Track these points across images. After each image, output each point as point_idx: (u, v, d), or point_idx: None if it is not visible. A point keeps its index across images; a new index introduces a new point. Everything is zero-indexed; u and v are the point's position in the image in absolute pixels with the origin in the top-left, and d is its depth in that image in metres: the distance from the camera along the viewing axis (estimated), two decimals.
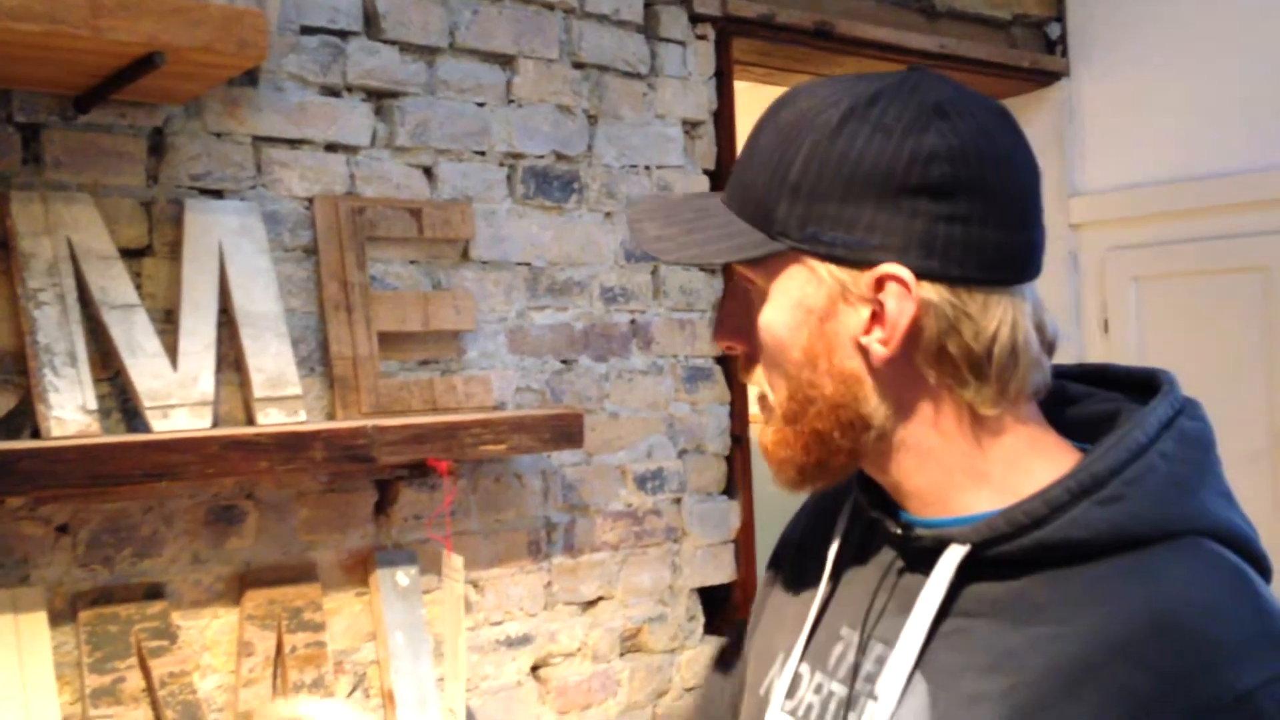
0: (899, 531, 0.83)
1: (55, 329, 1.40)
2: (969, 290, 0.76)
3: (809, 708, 0.87)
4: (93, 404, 1.41)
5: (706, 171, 2.14)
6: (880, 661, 0.82)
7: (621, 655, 1.95)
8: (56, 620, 1.40)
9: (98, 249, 1.46)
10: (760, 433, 0.87)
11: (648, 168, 2.05)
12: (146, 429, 1.46)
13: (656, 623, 2.00)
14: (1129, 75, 2.56)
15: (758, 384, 0.84)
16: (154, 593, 1.48)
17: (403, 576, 1.69)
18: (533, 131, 1.90)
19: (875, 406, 0.79)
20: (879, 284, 0.76)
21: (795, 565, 0.96)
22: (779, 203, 0.78)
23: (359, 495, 1.69)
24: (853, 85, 0.79)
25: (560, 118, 1.93)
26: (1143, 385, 0.83)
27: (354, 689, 1.65)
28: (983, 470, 0.80)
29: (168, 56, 1.32)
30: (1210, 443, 0.79)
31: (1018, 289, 0.78)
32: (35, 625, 1.37)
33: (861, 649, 0.84)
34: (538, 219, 1.91)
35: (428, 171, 1.80)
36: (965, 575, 0.78)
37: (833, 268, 0.77)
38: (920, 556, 0.81)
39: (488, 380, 1.82)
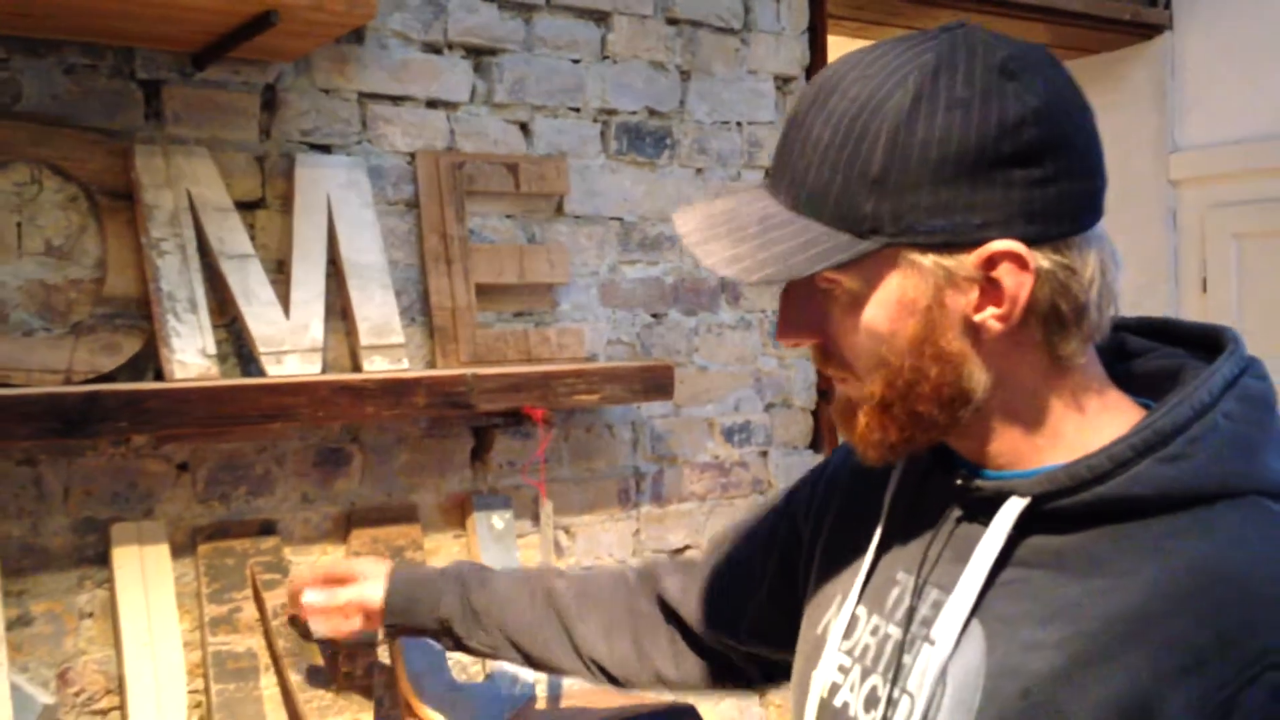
0: (960, 482, 0.83)
1: (176, 277, 1.48)
2: (1068, 245, 0.76)
3: (865, 649, 0.88)
4: (212, 349, 1.48)
5: None
6: (937, 606, 0.83)
7: None
8: (177, 553, 1.49)
9: (215, 201, 1.53)
10: (840, 419, 0.85)
11: (739, 124, 2.07)
12: (261, 373, 1.53)
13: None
14: (1234, 28, 2.49)
15: (839, 373, 0.83)
16: (267, 529, 1.56)
17: (498, 520, 1.76)
18: (626, 88, 1.93)
19: (979, 381, 0.79)
20: (989, 262, 0.75)
21: (849, 518, 0.97)
22: (864, 199, 0.75)
23: (457, 441, 1.75)
24: (904, 58, 0.76)
25: (653, 74, 1.96)
26: (1206, 342, 0.84)
27: None
28: (1058, 427, 0.80)
29: (282, 14, 1.37)
30: (1274, 403, 0.80)
31: (1096, 229, 0.78)
32: (158, 557, 1.46)
33: (918, 593, 0.85)
34: (630, 174, 1.94)
35: (524, 127, 1.84)
36: (1025, 528, 0.79)
37: (935, 256, 0.75)
38: (980, 507, 0.82)
39: (580, 332, 1.87)
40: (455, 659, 1.70)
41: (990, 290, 0.76)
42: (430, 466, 1.73)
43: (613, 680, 1.26)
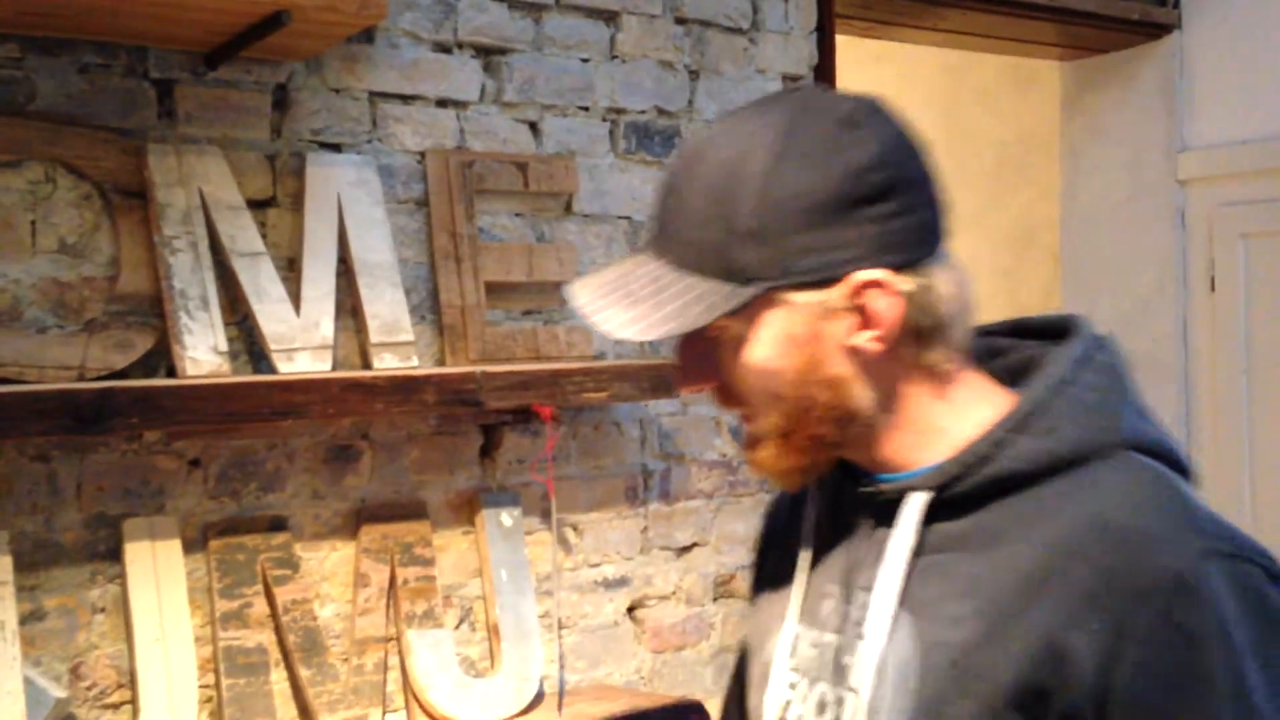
0: (866, 490, 0.91)
1: (189, 274, 1.49)
2: (923, 268, 0.85)
3: (809, 661, 0.95)
4: (224, 346, 1.49)
5: None
6: (864, 606, 0.90)
7: (715, 600, 2.00)
8: (189, 548, 1.50)
9: (227, 199, 1.54)
10: (750, 453, 0.93)
11: None
12: (272, 370, 1.54)
13: (749, 570, 2.04)
14: (1242, 27, 2.49)
15: (738, 412, 0.91)
16: (278, 525, 1.57)
17: (506, 517, 1.77)
18: (635, 87, 1.93)
19: (864, 398, 0.87)
20: (858, 291, 0.84)
21: (781, 550, 1.03)
22: (740, 252, 0.83)
23: (466, 439, 1.76)
24: (759, 123, 0.85)
25: (662, 73, 1.96)
26: (1060, 331, 0.93)
27: (461, 621, 1.73)
28: (940, 425, 0.89)
29: (293, 14, 1.38)
30: (1123, 370, 0.90)
31: (943, 253, 0.88)
32: (170, 552, 1.47)
33: (847, 600, 0.92)
34: (639, 173, 1.95)
35: (533, 126, 1.85)
36: (931, 517, 0.88)
37: (809, 293, 0.84)
38: (888, 509, 0.90)
39: (589, 330, 1.88)
40: (463, 655, 1.71)
41: (863, 317, 0.85)
42: (439, 463, 1.74)
43: None
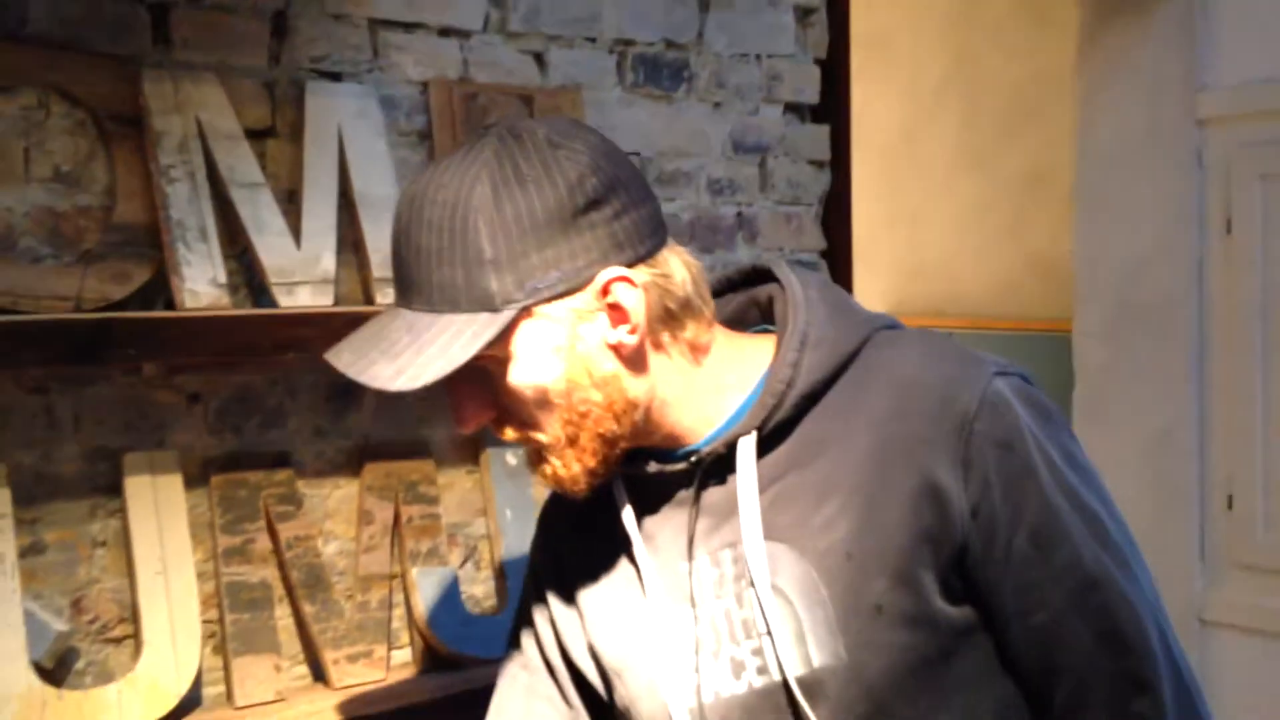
0: (691, 461, 0.95)
1: (186, 205, 1.46)
2: (655, 258, 0.91)
3: (698, 641, 0.96)
4: (223, 278, 1.46)
5: (818, 61, 2.10)
6: (737, 560, 0.94)
7: None
8: (190, 484, 1.48)
9: (224, 128, 1.50)
10: (540, 470, 0.95)
11: (758, 56, 2.02)
12: (272, 304, 1.51)
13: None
14: None
15: (518, 435, 0.93)
16: (280, 461, 1.55)
17: (511, 457, 1.74)
18: (643, 18, 1.88)
19: (638, 388, 0.92)
20: (604, 291, 0.89)
21: (586, 570, 1.04)
22: (487, 280, 0.87)
23: None
24: (469, 160, 0.88)
25: (671, 4, 1.91)
26: (760, 275, 1.03)
27: (465, 560, 1.72)
28: (721, 382, 0.96)
29: None
30: (827, 279, 1.03)
31: (668, 239, 0.94)
32: (171, 487, 1.45)
33: (710, 565, 0.96)
34: (646, 107, 1.91)
35: (539, 58, 1.80)
36: (755, 457, 0.94)
37: (561, 303, 0.88)
38: (713, 469, 0.96)
39: None
40: (468, 593, 1.70)
41: (614, 313, 0.90)
42: (443, 401, 1.71)
43: None
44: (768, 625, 0.92)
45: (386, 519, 1.62)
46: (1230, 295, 2.48)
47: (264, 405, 1.56)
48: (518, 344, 0.89)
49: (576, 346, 0.90)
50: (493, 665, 1.60)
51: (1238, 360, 2.47)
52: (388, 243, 1.61)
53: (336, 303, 1.57)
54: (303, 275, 1.53)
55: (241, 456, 1.53)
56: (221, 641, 1.47)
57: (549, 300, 0.88)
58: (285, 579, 1.54)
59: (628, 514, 1.00)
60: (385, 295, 1.61)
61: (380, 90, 1.65)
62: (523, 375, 0.90)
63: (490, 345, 0.87)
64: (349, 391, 1.62)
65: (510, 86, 1.77)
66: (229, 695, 1.46)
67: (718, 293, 1.04)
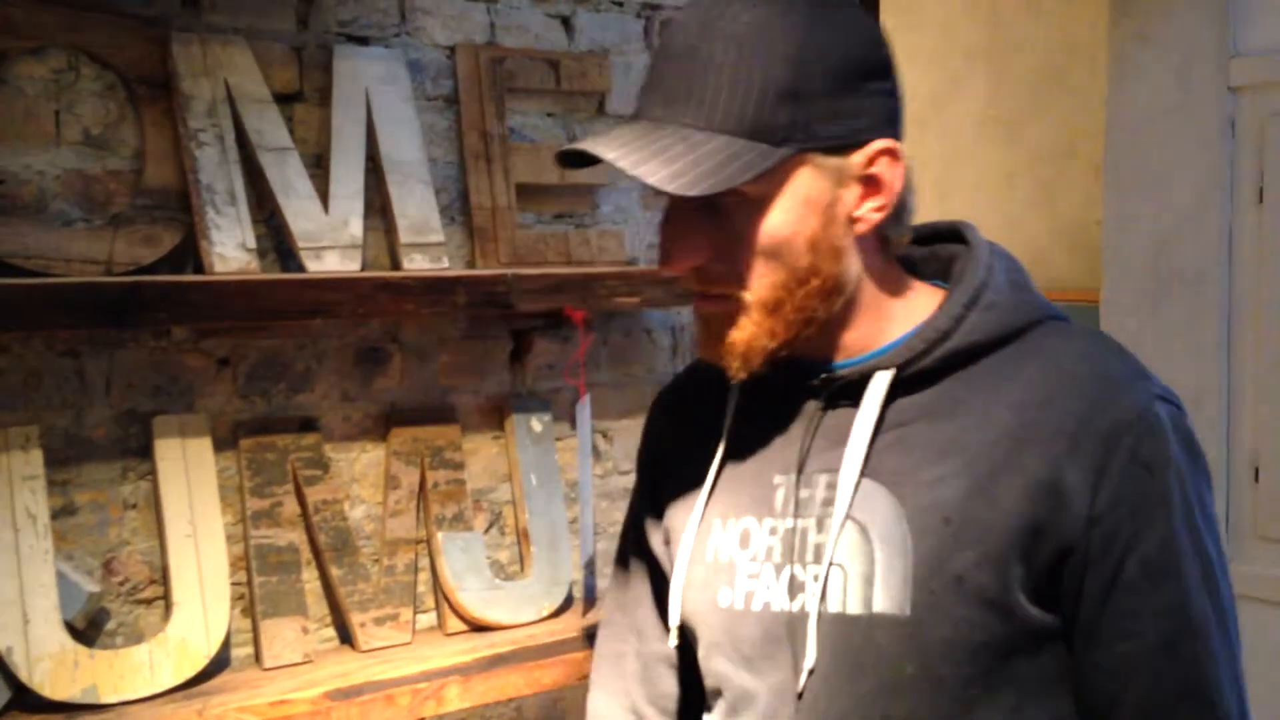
0: (824, 377, 0.94)
1: (215, 169, 1.46)
2: (902, 146, 0.90)
3: (769, 550, 0.96)
4: (252, 242, 1.46)
5: None
6: (830, 487, 0.93)
7: None
8: (219, 447, 1.49)
9: (253, 92, 1.50)
10: (721, 334, 0.91)
11: None
12: (301, 269, 1.51)
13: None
14: None
15: (723, 289, 0.90)
16: (308, 425, 1.56)
17: (536, 422, 1.75)
18: None
19: (853, 273, 0.91)
20: (871, 160, 0.87)
21: (686, 449, 1.05)
22: (777, 112, 0.84)
23: (496, 343, 1.74)
24: None
25: None
26: (951, 233, 1.01)
27: (490, 525, 1.73)
28: (893, 311, 0.94)
29: None
30: (1017, 259, 0.99)
31: None
32: (200, 450, 1.46)
33: (802, 484, 0.95)
34: None
35: (566, 22, 1.79)
36: (887, 398, 0.92)
37: (832, 158, 0.86)
38: (842, 394, 0.94)
39: (621, 235, 1.84)
40: (493, 558, 1.71)
41: (869, 186, 0.88)
42: (469, 368, 1.72)
43: None
44: (833, 555, 0.91)
45: (412, 484, 1.63)
46: (1260, 266, 2.45)
47: (292, 369, 1.56)
48: (778, 187, 0.86)
49: (830, 207, 0.87)
50: (517, 629, 1.62)
51: (1267, 332, 2.45)
52: (415, 208, 1.62)
53: (364, 268, 1.57)
54: (330, 240, 1.53)
55: (269, 420, 1.54)
56: (250, 603, 1.49)
57: (825, 151, 0.86)
58: (313, 542, 1.55)
59: (734, 416, 0.99)
60: (412, 260, 1.61)
61: (408, 54, 1.64)
62: (771, 220, 0.87)
63: (760, 177, 0.84)
64: (376, 357, 1.63)
65: (537, 51, 1.76)
66: (257, 656, 1.47)
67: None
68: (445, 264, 1.63)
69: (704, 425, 1.03)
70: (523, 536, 1.72)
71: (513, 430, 1.73)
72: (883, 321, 0.94)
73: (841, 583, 0.91)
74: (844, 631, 0.91)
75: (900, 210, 0.91)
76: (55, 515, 1.37)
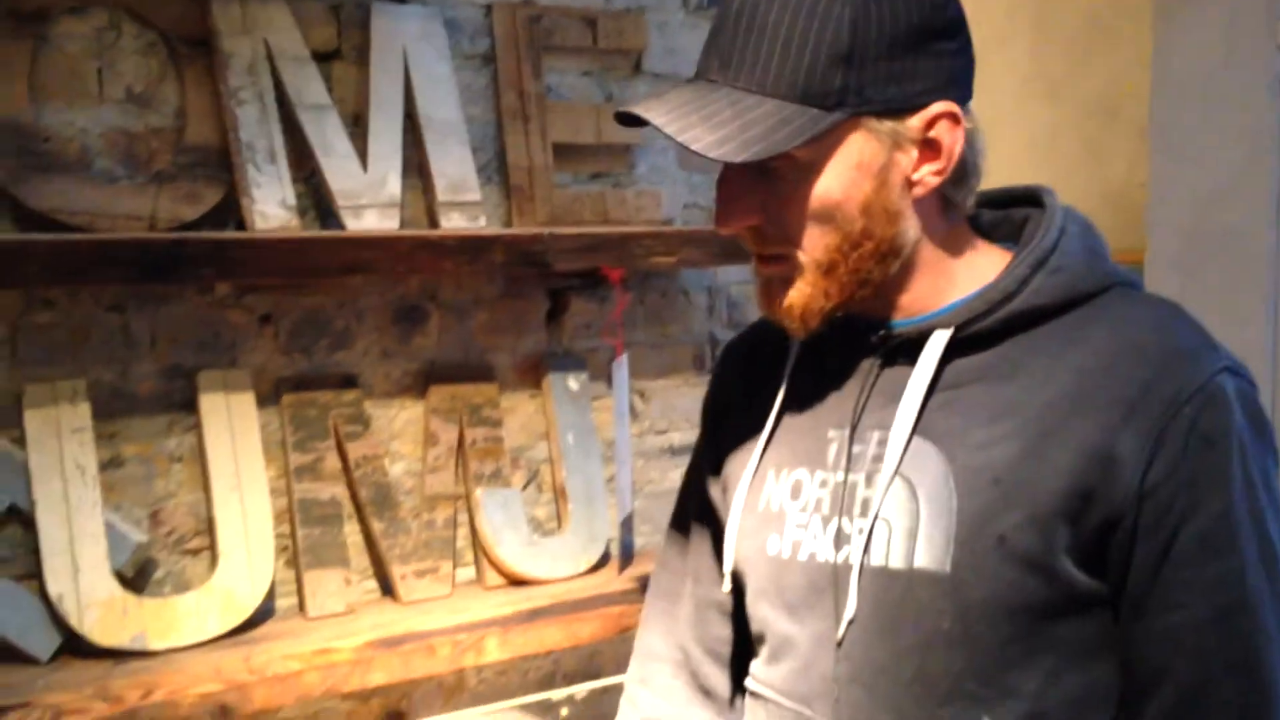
0: (882, 334, 0.94)
1: (256, 127, 1.47)
2: (968, 109, 0.89)
3: (818, 502, 0.97)
4: (292, 200, 1.48)
5: None
6: (882, 443, 0.93)
7: None
8: (262, 402, 1.51)
9: (292, 51, 1.51)
10: (778, 294, 0.92)
11: None
12: (340, 227, 1.53)
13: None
14: None
15: (774, 250, 0.90)
16: (348, 382, 1.58)
17: (573, 382, 1.76)
18: None
19: (910, 235, 0.90)
20: (930, 123, 0.86)
21: (748, 401, 1.06)
22: (832, 76, 0.84)
23: (533, 303, 1.75)
24: None
25: None
26: (1028, 197, 1.00)
27: (528, 483, 1.74)
28: (955, 273, 0.93)
29: None
30: (1093, 225, 0.97)
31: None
32: (244, 404, 1.48)
33: (855, 440, 0.95)
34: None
35: None
36: (943, 358, 0.92)
37: (887, 121, 0.85)
38: (900, 352, 0.94)
39: (658, 195, 1.83)
40: (530, 515, 1.73)
41: (928, 150, 0.87)
42: (506, 327, 1.73)
43: None
44: (880, 510, 0.92)
45: (451, 441, 1.64)
46: None
47: (332, 327, 1.58)
48: (829, 151, 0.86)
49: (885, 170, 0.87)
50: (554, 584, 1.64)
51: None
52: (452, 167, 1.62)
53: (402, 226, 1.59)
54: (369, 198, 1.54)
55: (311, 377, 1.56)
56: (294, 555, 1.51)
57: (880, 116, 0.86)
58: (354, 497, 1.57)
59: (793, 370, 1.01)
60: (450, 219, 1.62)
61: (445, 12, 1.64)
62: (822, 184, 0.87)
63: (809, 142, 0.85)
64: (415, 315, 1.64)
65: (573, 9, 1.75)
66: (301, 606, 1.50)
67: (980, 203, 1.00)
68: (482, 223, 1.64)
69: (765, 378, 1.04)
70: (560, 494, 1.73)
71: (550, 389, 1.74)
72: (943, 282, 0.93)
73: (885, 537, 0.92)
74: (884, 585, 0.92)
75: (965, 173, 0.91)
76: (103, 467, 1.40)
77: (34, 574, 1.34)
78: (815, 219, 0.88)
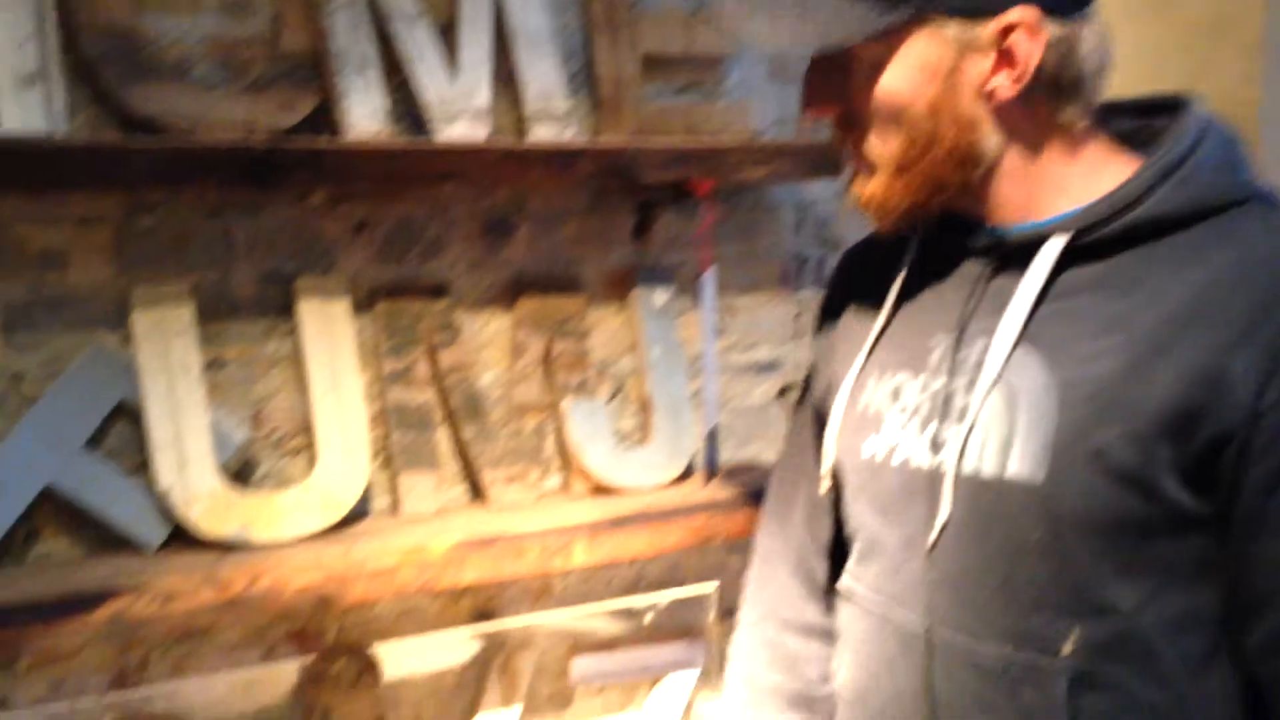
0: (992, 241, 0.93)
1: (348, 35, 1.48)
2: (1070, 20, 0.86)
3: (917, 406, 0.97)
4: (384, 109, 1.49)
5: None
6: (985, 349, 0.92)
7: None
8: (356, 309, 1.54)
9: None
10: (858, 186, 0.94)
11: None
12: (430, 137, 1.54)
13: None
14: None
15: (854, 142, 0.92)
16: (439, 291, 1.60)
17: (660, 295, 1.76)
18: None
19: (990, 143, 0.89)
20: (1005, 31, 0.85)
21: (862, 300, 1.07)
22: None
23: (619, 216, 1.75)
24: None
25: None
26: (1172, 105, 0.97)
27: (613, 395, 1.76)
28: (1066, 181, 0.91)
29: None
30: (1238, 137, 0.94)
31: (1092, 12, 0.89)
32: (340, 310, 1.51)
33: (960, 346, 0.95)
34: None
35: None
36: (1058, 267, 0.90)
37: (958, 24, 0.85)
38: (1013, 258, 0.92)
39: (747, 108, 1.81)
40: (617, 426, 1.75)
41: (1003, 58, 0.86)
42: (593, 240, 1.73)
43: None
44: (977, 417, 0.91)
45: (538, 351, 1.66)
46: None
47: (424, 236, 1.60)
48: (894, 49, 0.87)
49: (953, 76, 0.87)
50: (640, 494, 1.66)
51: None
52: (541, 78, 1.62)
53: (491, 136, 1.59)
54: (459, 108, 1.55)
55: (403, 285, 1.58)
56: (387, 458, 1.55)
57: (947, 16, 0.85)
58: (444, 403, 1.60)
59: (905, 276, 1.01)
60: (538, 130, 1.62)
61: None
62: (889, 82, 0.88)
63: (873, 38, 0.86)
64: (503, 226, 1.65)
65: None
66: (394, 507, 1.54)
67: (1123, 109, 0.99)
68: (570, 134, 1.64)
69: (878, 284, 1.05)
70: (645, 406, 1.74)
71: (636, 302, 1.75)
72: (1058, 189, 0.92)
73: (981, 444, 0.91)
74: (977, 492, 0.92)
75: (1066, 81, 0.88)
76: (207, 367, 1.45)
77: (143, 467, 1.39)
78: (883, 117, 0.89)
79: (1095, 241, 0.89)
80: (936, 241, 0.98)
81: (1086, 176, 0.92)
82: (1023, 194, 0.92)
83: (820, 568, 1.16)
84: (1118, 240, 0.89)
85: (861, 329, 1.06)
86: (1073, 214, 0.91)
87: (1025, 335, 0.90)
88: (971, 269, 0.97)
